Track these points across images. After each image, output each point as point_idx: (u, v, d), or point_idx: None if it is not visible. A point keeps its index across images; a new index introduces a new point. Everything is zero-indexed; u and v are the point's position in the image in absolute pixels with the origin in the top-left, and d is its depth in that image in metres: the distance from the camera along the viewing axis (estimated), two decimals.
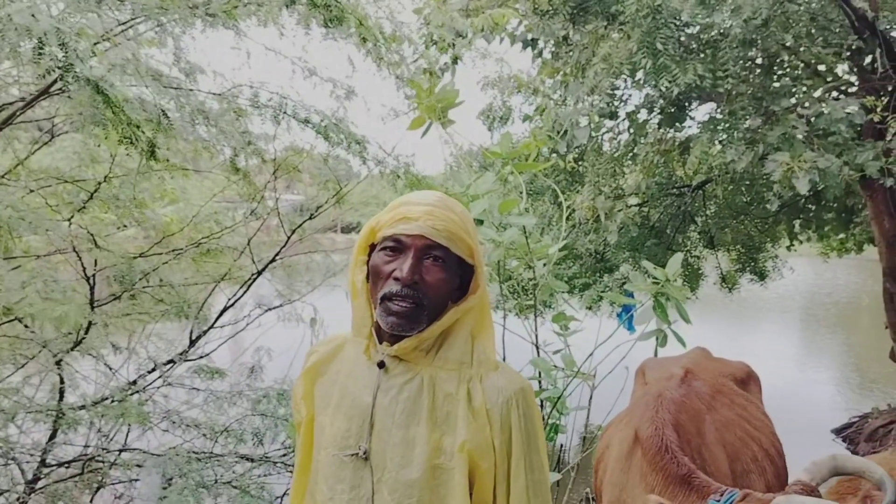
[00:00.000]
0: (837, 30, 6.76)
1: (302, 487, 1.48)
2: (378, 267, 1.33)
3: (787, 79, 7.38)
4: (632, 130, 8.70)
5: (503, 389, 1.34)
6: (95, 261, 4.47)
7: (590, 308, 9.93)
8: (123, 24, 3.43)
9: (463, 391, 1.34)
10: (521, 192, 2.68)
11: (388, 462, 1.32)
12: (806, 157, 5.83)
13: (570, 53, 7.77)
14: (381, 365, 1.36)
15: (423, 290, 1.30)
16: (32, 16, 2.47)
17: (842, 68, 7.74)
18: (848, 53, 7.16)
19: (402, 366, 1.36)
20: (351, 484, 1.34)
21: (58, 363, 4.00)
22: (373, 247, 1.38)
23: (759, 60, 7.37)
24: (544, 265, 2.80)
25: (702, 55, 6.52)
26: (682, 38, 6.77)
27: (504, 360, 2.94)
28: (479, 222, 2.55)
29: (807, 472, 1.73)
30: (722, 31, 6.67)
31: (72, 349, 3.97)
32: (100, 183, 4.46)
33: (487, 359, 1.39)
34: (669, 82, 6.22)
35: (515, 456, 1.33)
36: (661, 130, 8.61)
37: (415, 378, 1.35)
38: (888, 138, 6.08)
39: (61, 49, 2.45)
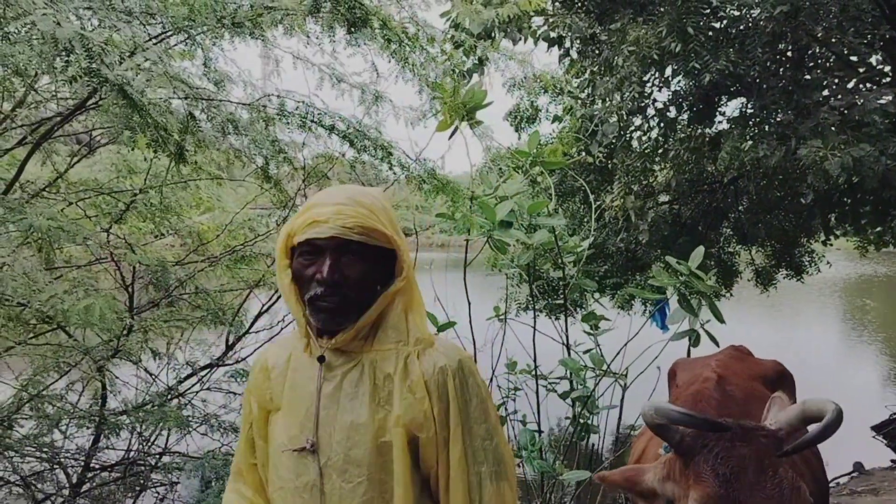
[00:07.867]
0: (869, 20, 6.63)
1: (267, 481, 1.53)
2: (299, 271, 1.39)
3: (819, 71, 7.25)
4: (661, 125, 8.62)
5: (439, 362, 1.41)
6: (134, 269, 4.58)
7: (622, 308, 9.84)
8: (155, 37, 3.51)
9: (400, 368, 1.40)
10: (550, 194, 2.69)
11: (334, 445, 1.38)
12: (838, 143, 5.74)
13: (597, 51, 7.72)
14: (322, 359, 1.42)
15: (347, 286, 1.35)
16: (58, 24, 2.52)
17: (875, 59, 7.59)
18: (881, 43, 7.03)
19: (344, 356, 1.42)
20: (296, 472, 1.40)
21: (99, 370, 4.10)
22: (294, 250, 1.42)
23: (789, 53, 7.25)
24: (574, 265, 2.80)
25: (731, 49, 6.44)
26: (711, 33, 6.69)
27: (535, 360, 2.95)
28: (508, 224, 2.55)
29: (775, 421, 1.65)
30: (751, 23, 6.59)
31: (112, 356, 4.06)
32: (135, 194, 4.57)
33: (423, 336, 1.45)
34: (700, 66, 6.16)
35: (453, 424, 1.39)
36: (691, 127, 8.52)
37: (356, 365, 1.41)
38: None
39: (86, 55, 2.50)
